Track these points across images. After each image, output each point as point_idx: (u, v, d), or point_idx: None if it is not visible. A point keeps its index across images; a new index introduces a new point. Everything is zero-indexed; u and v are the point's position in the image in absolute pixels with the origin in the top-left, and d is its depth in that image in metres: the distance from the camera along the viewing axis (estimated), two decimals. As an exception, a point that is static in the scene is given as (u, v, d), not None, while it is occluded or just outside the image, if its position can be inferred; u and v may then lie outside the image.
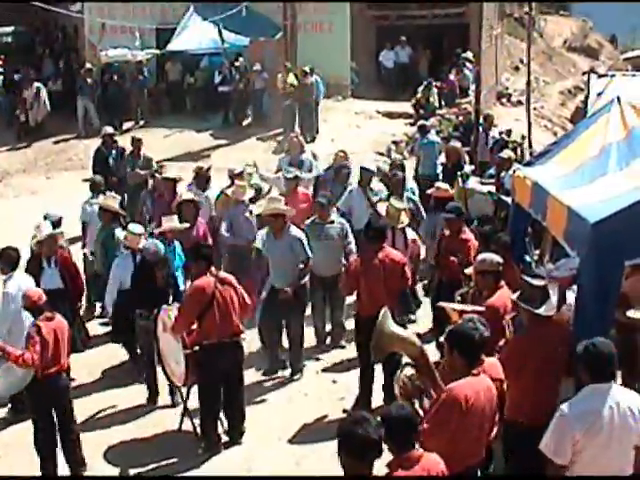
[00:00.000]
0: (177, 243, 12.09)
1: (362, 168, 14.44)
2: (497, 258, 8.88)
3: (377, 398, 10.15)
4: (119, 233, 12.30)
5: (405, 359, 7.10)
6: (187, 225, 12.36)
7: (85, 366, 11.65)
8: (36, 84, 25.17)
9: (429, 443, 5.90)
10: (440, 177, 17.42)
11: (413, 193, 14.57)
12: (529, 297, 7.65)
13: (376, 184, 14.44)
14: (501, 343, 7.96)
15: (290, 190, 13.92)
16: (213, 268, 9.65)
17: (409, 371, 6.94)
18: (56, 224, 12.09)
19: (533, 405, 7.24)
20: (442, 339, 7.27)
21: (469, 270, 9.46)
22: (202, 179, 14.63)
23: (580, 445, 5.97)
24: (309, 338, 12.25)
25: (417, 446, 5.70)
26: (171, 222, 12.13)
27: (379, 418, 5.49)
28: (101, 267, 12.49)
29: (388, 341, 7.09)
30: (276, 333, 11.59)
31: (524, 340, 7.58)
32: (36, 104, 24.95)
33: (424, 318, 12.46)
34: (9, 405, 10.70)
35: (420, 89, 26.59)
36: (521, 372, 7.28)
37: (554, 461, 6.03)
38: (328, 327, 12.54)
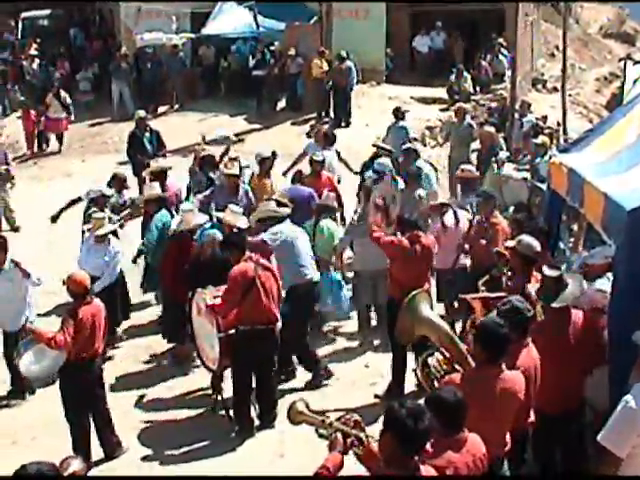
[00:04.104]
0: None
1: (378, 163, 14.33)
2: (535, 244, 8.62)
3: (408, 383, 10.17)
4: (165, 218, 12.19)
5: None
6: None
7: (129, 356, 11.96)
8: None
9: None
10: (475, 163, 17.38)
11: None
12: (546, 289, 7.61)
13: None
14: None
15: (315, 172, 14.10)
16: (253, 254, 9.65)
17: (438, 357, 6.96)
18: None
19: (554, 395, 7.15)
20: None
21: (508, 243, 9.35)
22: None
23: None
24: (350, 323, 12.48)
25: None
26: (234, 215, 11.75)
27: (423, 401, 5.49)
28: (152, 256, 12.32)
29: (417, 324, 7.11)
30: None
31: (540, 333, 7.27)
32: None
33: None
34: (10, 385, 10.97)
35: (452, 76, 26.53)
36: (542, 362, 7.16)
37: (616, 454, 5.79)
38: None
